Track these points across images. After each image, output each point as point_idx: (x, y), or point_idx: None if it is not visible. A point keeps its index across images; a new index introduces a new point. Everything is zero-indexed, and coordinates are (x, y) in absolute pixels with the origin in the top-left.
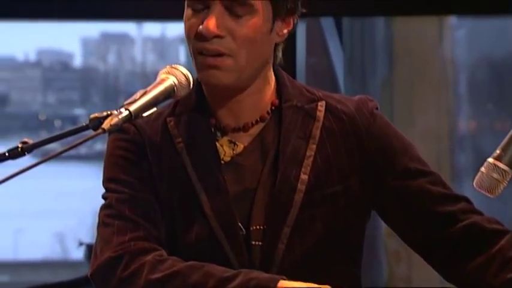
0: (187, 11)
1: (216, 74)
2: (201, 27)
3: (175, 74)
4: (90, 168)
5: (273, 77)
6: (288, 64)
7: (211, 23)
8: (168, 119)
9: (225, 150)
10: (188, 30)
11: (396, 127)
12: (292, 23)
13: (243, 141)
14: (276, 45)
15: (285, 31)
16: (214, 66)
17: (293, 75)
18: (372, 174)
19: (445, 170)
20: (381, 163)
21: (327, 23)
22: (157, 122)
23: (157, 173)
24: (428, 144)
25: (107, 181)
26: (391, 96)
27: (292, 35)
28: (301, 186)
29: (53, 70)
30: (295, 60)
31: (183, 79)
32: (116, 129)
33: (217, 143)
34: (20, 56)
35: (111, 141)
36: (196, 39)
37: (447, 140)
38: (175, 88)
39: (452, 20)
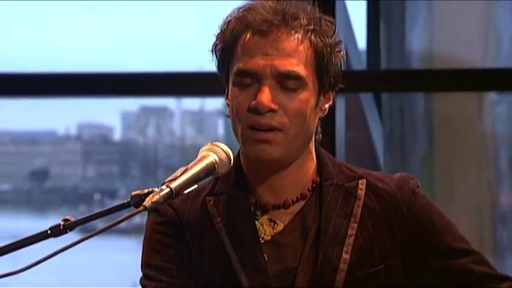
0: (234, 90)
1: (267, 148)
2: (254, 101)
3: (216, 151)
4: (129, 241)
5: (314, 154)
6: (327, 138)
7: (265, 97)
8: (207, 198)
9: (265, 229)
10: (238, 107)
11: (437, 202)
12: (331, 98)
13: (283, 220)
14: (318, 122)
15: (326, 106)
16: (265, 141)
17: (332, 149)
18: (414, 253)
19: (487, 246)
20: (423, 242)
21: (366, 98)
22: (196, 201)
23: (197, 253)
24: (470, 220)
25: (144, 266)
26: (431, 171)
27: (331, 110)
28: (343, 266)
29: (93, 144)
30: (335, 135)
31: (223, 156)
32: (157, 206)
33: (257, 222)
34: (60, 130)
35: (148, 224)
36: (250, 114)
37: (489, 216)
38: (216, 165)
39: (492, 95)
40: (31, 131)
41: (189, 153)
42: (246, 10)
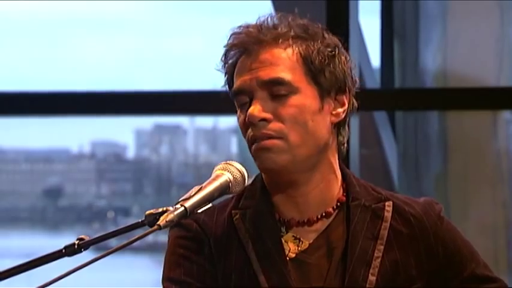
0: (238, 112)
1: (270, 156)
2: (246, 117)
3: (231, 170)
4: (142, 260)
5: (339, 170)
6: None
7: (255, 109)
8: (233, 212)
9: (290, 246)
10: (241, 127)
11: (452, 221)
12: (347, 102)
13: (307, 238)
14: (339, 129)
15: (340, 110)
16: (266, 149)
17: (346, 167)
18: (439, 279)
19: (502, 265)
20: (449, 268)
21: (380, 116)
22: (222, 216)
23: (223, 268)
24: (484, 239)
25: (166, 280)
26: (446, 189)
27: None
28: None
29: (107, 162)
30: (349, 153)
31: (238, 175)
32: (171, 225)
33: (281, 239)
34: (74, 149)
35: (172, 238)
36: (247, 130)
37: (503, 235)
38: (230, 184)
39: (506, 113)
40: (45, 149)
41: (203, 171)
42: (233, 36)
